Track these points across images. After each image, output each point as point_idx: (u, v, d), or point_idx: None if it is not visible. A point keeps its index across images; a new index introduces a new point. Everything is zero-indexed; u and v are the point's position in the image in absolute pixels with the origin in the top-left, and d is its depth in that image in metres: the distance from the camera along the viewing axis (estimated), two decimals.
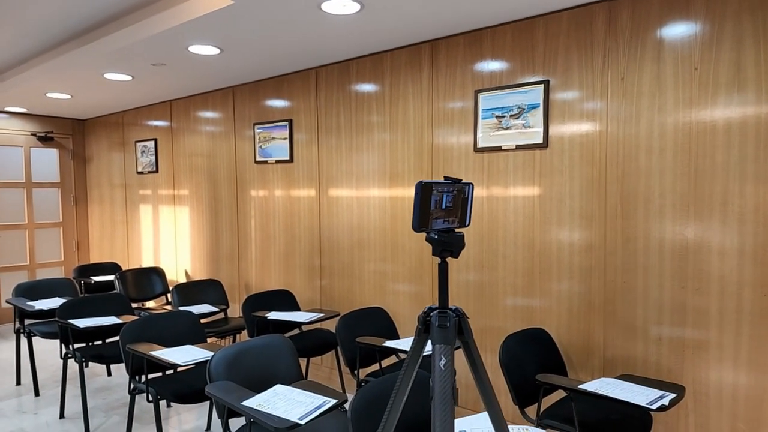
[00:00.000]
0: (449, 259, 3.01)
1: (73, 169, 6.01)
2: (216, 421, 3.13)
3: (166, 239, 5.09)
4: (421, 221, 0.90)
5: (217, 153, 4.49)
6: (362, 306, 3.51)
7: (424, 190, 0.91)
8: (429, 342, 1.01)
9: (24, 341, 3.81)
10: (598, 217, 2.49)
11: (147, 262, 5.30)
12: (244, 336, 4.12)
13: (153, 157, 5.08)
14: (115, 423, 3.13)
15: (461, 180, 0.97)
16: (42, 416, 3.23)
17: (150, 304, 4.97)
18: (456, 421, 1.52)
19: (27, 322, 3.69)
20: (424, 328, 0.96)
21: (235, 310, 4.36)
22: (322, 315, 3.12)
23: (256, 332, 3.20)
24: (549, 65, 2.59)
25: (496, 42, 2.77)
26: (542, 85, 2.57)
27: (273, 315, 3.13)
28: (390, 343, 2.49)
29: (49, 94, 4.60)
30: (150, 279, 4.56)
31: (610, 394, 1.86)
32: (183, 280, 4.82)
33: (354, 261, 3.53)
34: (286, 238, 3.99)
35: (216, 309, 3.61)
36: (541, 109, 2.58)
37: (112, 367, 4.12)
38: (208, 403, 3.31)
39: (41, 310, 3.47)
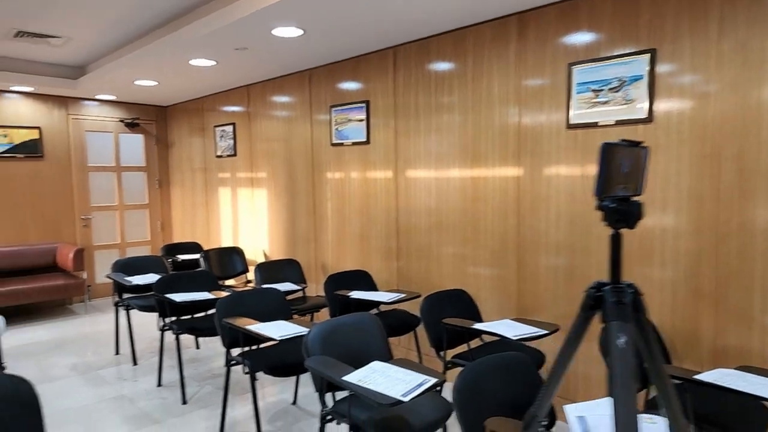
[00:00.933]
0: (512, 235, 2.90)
1: (157, 153, 6.32)
2: (301, 395, 3.21)
3: (244, 221, 5.25)
4: (605, 186, 0.83)
5: (293, 136, 4.55)
6: (440, 288, 3.46)
7: (609, 152, 0.83)
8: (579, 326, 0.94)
9: (122, 314, 4.07)
10: (710, 197, 2.29)
11: (226, 243, 5.51)
12: (322, 314, 4.20)
13: (231, 141, 5.23)
14: (208, 392, 3.28)
15: (641, 142, 0.89)
16: (140, 384, 3.44)
17: (230, 282, 5.17)
18: (569, 406, 1.45)
19: (125, 296, 3.94)
20: (593, 305, 0.89)
21: (311, 290, 4.44)
22: (404, 295, 3.11)
23: (339, 311, 3.24)
24: (655, 34, 2.39)
25: (594, 11, 2.59)
26: (647, 55, 2.38)
27: (356, 294, 3.14)
28: (480, 326, 2.43)
29: (137, 82, 4.82)
30: (231, 258, 4.73)
31: (732, 386, 1.71)
32: (261, 259, 4.97)
33: (432, 243, 3.49)
34: (361, 220, 4.00)
35: (298, 287, 3.68)
36: (645, 80, 2.39)
37: (199, 340, 4.33)
38: (294, 377, 3.41)
39: (138, 285, 3.68)
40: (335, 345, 2.16)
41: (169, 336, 3.86)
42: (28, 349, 4.21)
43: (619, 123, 2.51)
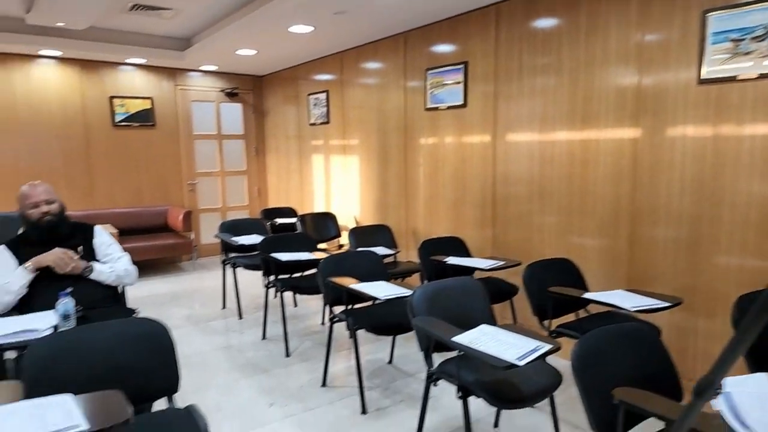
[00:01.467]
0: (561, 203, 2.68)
1: (254, 122, 6.60)
2: (397, 355, 3.28)
3: (337, 187, 5.37)
4: None
5: (385, 102, 4.54)
6: (539, 258, 3.34)
7: None
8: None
9: (228, 272, 4.38)
10: None
11: (318, 208, 5.69)
12: (413, 280, 4.23)
13: (324, 109, 5.33)
14: (308, 347, 3.45)
15: None
16: (246, 336, 3.69)
17: (323, 246, 5.36)
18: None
19: (231, 254, 4.21)
20: None
21: (401, 255, 4.48)
22: (503, 262, 3.03)
23: (434, 276, 3.24)
24: None
25: None
26: None
27: (452, 260, 3.12)
28: (591, 295, 2.32)
29: (238, 52, 5.01)
30: (325, 223, 4.88)
31: None
32: (352, 225, 5.08)
33: (533, 210, 3.35)
34: (455, 186, 3.94)
35: (391, 251, 3.72)
36: None
37: (297, 299, 4.56)
38: (391, 338, 3.49)
39: (243, 245, 3.91)
40: (440, 307, 2.15)
41: (272, 293, 4.09)
42: (148, 300, 4.66)
43: (764, 76, 2.21)
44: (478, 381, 1.87)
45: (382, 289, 2.49)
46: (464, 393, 1.87)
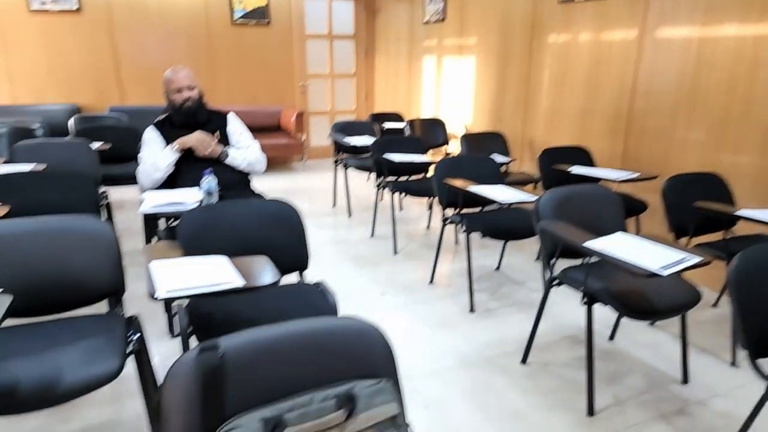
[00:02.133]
0: None
1: (365, 21, 6.42)
2: (505, 263, 3.26)
3: (448, 91, 5.17)
4: None
5: None
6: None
7: None
8: None
9: (340, 172, 4.53)
10: None
11: (426, 114, 5.56)
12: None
13: (441, 4, 5.00)
14: (415, 248, 3.54)
15: None
16: (355, 233, 3.85)
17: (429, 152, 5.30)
18: None
19: (342, 155, 4.31)
20: None
21: (514, 166, 4.30)
22: (637, 174, 2.79)
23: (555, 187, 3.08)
24: None
25: None
26: None
27: (577, 169, 2.93)
28: (749, 213, 2.07)
29: None
30: (434, 129, 4.77)
31: None
32: (461, 132, 4.93)
33: (677, 122, 2.99)
34: (585, 90, 3.60)
35: (507, 159, 3.58)
36: None
37: (402, 202, 4.63)
38: (500, 246, 3.47)
39: (355, 146, 3.97)
40: (569, 213, 2.04)
41: (381, 195, 4.19)
42: (267, 194, 4.99)
43: None
44: (607, 289, 1.79)
45: (502, 193, 2.42)
46: (590, 300, 1.81)
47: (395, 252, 3.45)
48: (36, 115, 4.90)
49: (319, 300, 1.72)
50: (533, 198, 2.26)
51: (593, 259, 1.84)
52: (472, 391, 1.98)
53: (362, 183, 5.44)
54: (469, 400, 1.93)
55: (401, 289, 2.88)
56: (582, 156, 3.29)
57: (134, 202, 4.50)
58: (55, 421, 1.75)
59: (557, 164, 3.13)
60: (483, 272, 3.15)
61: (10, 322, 1.55)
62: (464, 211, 2.72)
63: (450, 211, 2.77)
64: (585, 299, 1.80)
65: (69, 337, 1.45)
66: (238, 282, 1.31)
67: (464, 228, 2.59)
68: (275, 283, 1.34)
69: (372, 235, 3.80)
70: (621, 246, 1.70)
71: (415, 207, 4.58)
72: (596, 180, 2.91)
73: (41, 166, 2.57)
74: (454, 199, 2.72)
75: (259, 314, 1.61)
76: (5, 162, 2.84)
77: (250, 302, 1.69)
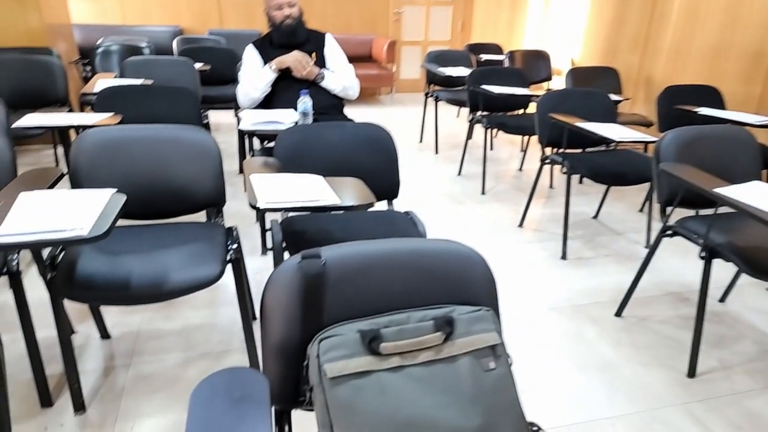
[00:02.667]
0: None
1: None
2: (604, 211, 3.05)
3: (555, 22, 4.74)
4: None
5: None
6: None
7: None
8: None
9: (430, 106, 4.39)
10: None
11: (528, 46, 5.17)
12: None
13: None
14: (504, 189, 3.40)
15: None
16: (441, 170, 3.76)
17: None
18: None
19: (434, 88, 4.15)
20: None
21: (625, 106, 3.93)
22: None
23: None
24: None
25: None
26: None
27: (705, 111, 2.60)
28: None
29: None
30: (536, 62, 4.43)
31: None
32: (567, 68, 4.55)
33: None
34: (722, 25, 3.13)
35: (619, 98, 3.26)
36: None
37: (493, 142, 4.44)
38: (601, 192, 3.25)
39: (449, 77, 3.79)
40: (694, 157, 1.82)
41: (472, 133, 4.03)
42: None
43: None
44: (731, 244, 1.60)
45: (615, 131, 2.20)
46: (709, 255, 1.63)
47: (483, 192, 3.34)
48: (143, 35, 5.15)
49: (409, 228, 1.70)
50: (653, 138, 2.04)
51: (719, 210, 1.64)
52: (559, 338, 1.91)
53: (451, 119, 5.26)
54: (556, 347, 1.86)
55: (487, 231, 2.80)
56: (711, 97, 2.91)
57: (230, 125, 4.68)
58: (159, 318, 1.93)
59: (680, 104, 2.79)
60: (579, 219, 2.97)
61: (122, 222, 1.69)
62: (566, 151, 2.53)
63: (549, 151, 2.60)
64: (704, 253, 1.63)
65: (175, 240, 1.54)
66: (334, 199, 1.30)
67: (565, 169, 2.42)
68: (369, 206, 1.32)
69: (459, 173, 3.69)
70: (758, 197, 1.49)
71: (507, 147, 4.37)
72: (728, 122, 2.56)
73: (149, 82, 2.71)
74: (556, 137, 2.53)
75: (349, 236, 1.62)
76: (116, 77, 3.02)
77: (342, 223, 1.71)
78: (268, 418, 0.67)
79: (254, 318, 1.91)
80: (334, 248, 0.91)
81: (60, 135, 2.78)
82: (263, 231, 2.42)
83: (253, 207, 1.25)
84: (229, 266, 1.50)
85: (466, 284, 0.92)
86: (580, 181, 3.56)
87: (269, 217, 2.57)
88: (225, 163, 3.63)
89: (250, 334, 1.66)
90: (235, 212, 2.85)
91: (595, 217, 3.00)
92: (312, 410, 0.81)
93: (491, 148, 4.30)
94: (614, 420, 1.55)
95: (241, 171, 3.38)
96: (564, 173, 2.41)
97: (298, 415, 0.92)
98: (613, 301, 2.14)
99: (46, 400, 1.49)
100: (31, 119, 2.15)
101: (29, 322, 1.45)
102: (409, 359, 0.82)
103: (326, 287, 0.87)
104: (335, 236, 1.61)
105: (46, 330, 1.76)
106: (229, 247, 1.54)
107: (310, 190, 1.36)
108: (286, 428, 0.91)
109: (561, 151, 2.52)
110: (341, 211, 1.79)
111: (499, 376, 0.84)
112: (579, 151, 2.65)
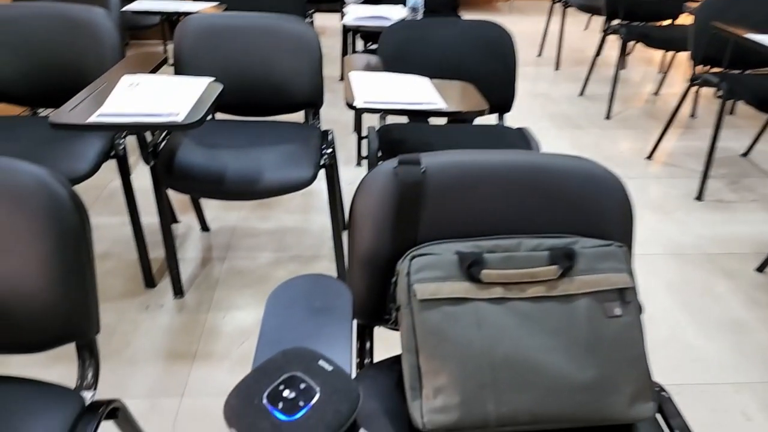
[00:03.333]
0: None
1: None
2: (758, 149, 2.59)
3: None
4: None
5: None
6: None
7: None
8: None
9: (556, 15, 3.91)
10: None
11: None
12: None
13: None
14: (634, 115, 3.00)
15: None
16: (560, 89, 3.39)
17: None
18: None
19: None
20: None
21: None
22: None
23: None
24: None
25: None
26: None
27: None
28: None
29: None
30: None
31: None
32: None
33: None
34: None
35: None
36: None
37: (632, 62, 3.91)
38: (758, 126, 2.76)
39: None
40: None
41: (593, 51, 3.53)
42: None
43: None
44: None
45: None
46: None
47: (608, 116, 2.97)
48: None
49: (521, 147, 1.52)
50: None
51: None
52: (681, 288, 1.69)
53: (578, 32, 4.69)
54: (676, 297, 1.65)
55: (608, 161, 2.50)
56: None
57: (335, 29, 4.54)
58: (254, 217, 1.97)
59: None
60: (724, 155, 2.55)
61: (221, 117, 1.68)
62: (726, 71, 2.11)
63: (702, 70, 2.18)
64: None
65: (270, 139, 1.50)
66: (440, 104, 1.16)
67: (722, 92, 2.02)
68: (479, 114, 1.16)
69: (581, 93, 3.30)
70: None
71: (642, 66, 3.83)
72: None
73: None
74: (714, 52, 2.11)
75: (452, 149, 1.48)
76: None
77: (444, 135, 1.57)
78: (349, 331, 0.60)
79: (345, 228, 1.89)
80: (436, 155, 0.79)
81: (170, 27, 2.84)
82: (359, 139, 2.34)
83: (350, 106, 1.15)
84: (322, 172, 1.45)
85: (596, 212, 0.77)
86: (732, 111, 3.03)
87: (366, 125, 2.48)
88: (326, 69, 3.56)
89: (339, 243, 1.63)
90: (333, 120, 2.79)
91: (745, 155, 2.56)
92: (397, 330, 0.74)
93: (623, 67, 3.78)
94: (738, 387, 1.35)
95: (342, 78, 3.29)
96: (719, 97, 2.02)
97: (380, 333, 0.87)
98: (755, 254, 1.84)
99: (149, 281, 1.60)
100: (142, 4, 2.20)
101: (135, 206, 1.52)
102: (515, 292, 0.71)
103: (424, 199, 0.76)
104: (436, 148, 1.48)
105: (151, 217, 1.87)
106: (323, 151, 1.47)
107: (414, 91, 1.23)
108: (368, 345, 0.86)
109: (719, 70, 2.11)
110: (445, 121, 1.64)
111: (625, 325, 0.70)
112: (740, 71, 2.20)
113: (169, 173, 1.36)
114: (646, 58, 4.02)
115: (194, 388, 1.30)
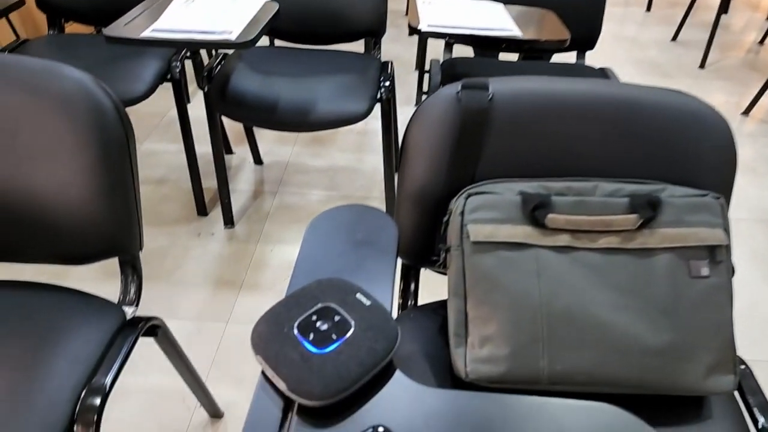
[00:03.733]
0: None
1: None
2: None
3: None
4: None
5: None
6: None
7: None
8: None
9: None
10: None
11: None
12: None
13: None
14: (732, 65, 2.68)
15: None
16: (650, 32, 3.07)
17: None
18: None
19: None
20: None
21: None
22: None
23: None
24: None
25: None
26: None
27: None
28: None
29: None
30: None
31: None
32: None
33: None
34: None
35: None
36: None
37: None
38: None
39: None
40: None
41: None
42: None
43: None
44: None
45: None
46: None
47: (702, 65, 2.67)
48: None
49: None
50: None
51: None
52: (766, 257, 1.53)
53: None
54: (761, 266, 1.50)
55: None
56: None
57: None
58: (307, 154, 1.94)
59: None
60: None
61: (278, 44, 1.62)
62: None
63: None
64: None
65: (327, 68, 1.44)
66: (514, 31, 1.04)
67: None
68: (559, 45, 1.04)
69: (674, 38, 2.98)
70: None
71: (746, 12, 3.40)
72: None
73: None
74: None
75: None
76: None
77: (517, 71, 1.44)
78: (392, 268, 0.55)
79: (398, 169, 1.82)
80: (506, 81, 0.70)
81: None
82: (421, 74, 2.23)
83: (413, 30, 1.06)
84: (378, 107, 1.37)
85: (691, 157, 0.66)
86: None
87: (430, 58, 2.36)
88: (392, 2, 3.39)
89: (391, 183, 1.58)
90: (395, 56, 2.67)
91: None
92: (444, 273, 0.69)
93: (725, 11, 3.37)
94: None
95: (408, 12, 3.12)
96: None
97: (426, 276, 0.82)
98: None
99: (201, 209, 1.62)
100: None
101: (189, 133, 1.52)
102: (584, 241, 0.63)
103: (488, 130, 0.68)
104: None
105: (206, 146, 1.88)
106: (381, 84, 1.39)
107: (485, 17, 1.11)
108: (412, 287, 0.82)
109: None
110: (517, 57, 1.51)
111: (712, 287, 0.61)
112: None
113: (222, 99, 1.33)
114: (752, 2, 3.57)
115: (239, 316, 1.32)
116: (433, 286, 0.90)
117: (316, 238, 0.58)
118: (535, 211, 0.63)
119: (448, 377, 0.66)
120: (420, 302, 0.81)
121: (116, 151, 0.67)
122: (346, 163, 1.90)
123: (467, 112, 0.67)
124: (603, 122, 0.67)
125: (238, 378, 1.19)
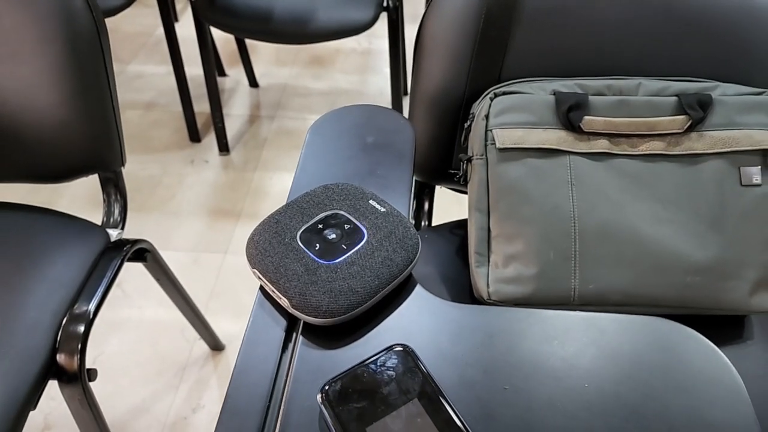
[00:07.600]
0: None
1: None
2: None
3: None
4: None
5: None
6: None
7: None
8: None
9: None
10: None
11: None
12: None
13: None
14: None
15: None
16: None
17: None
18: None
19: None
20: None
21: None
22: None
23: None
24: None
25: None
26: None
27: None
28: None
29: None
30: None
31: None
32: None
33: None
34: None
35: None
36: None
37: None
38: None
39: None
40: None
41: None
42: None
43: None
44: None
45: None
46: None
47: None
48: None
49: None
50: None
51: None
52: None
53: None
54: None
55: None
56: None
57: None
58: (307, 75, 1.84)
59: None
60: None
61: None
62: None
63: None
64: None
65: None
66: None
67: None
68: None
69: None
70: None
71: None
72: None
73: None
74: None
75: None
76: None
77: None
78: (409, 175, 0.49)
79: (406, 93, 1.73)
80: None
81: None
82: None
83: None
84: (384, 18, 1.27)
85: (748, 50, 0.59)
86: None
87: None
88: None
89: (399, 107, 1.49)
90: None
91: None
92: (464, 191, 0.63)
93: None
94: None
95: None
96: None
97: (438, 197, 0.76)
98: None
99: (194, 135, 1.55)
100: None
101: (178, 52, 1.42)
102: (624, 147, 0.57)
103: (518, 19, 0.60)
104: None
105: (197, 68, 1.78)
106: None
107: None
108: (426, 206, 0.76)
109: None
110: None
111: (764, 197, 0.55)
112: None
113: (211, 7, 1.23)
114: None
115: (239, 246, 1.28)
116: (444, 210, 0.85)
117: (321, 140, 0.51)
118: (569, 113, 0.56)
119: (468, 300, 0.62)
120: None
121: (86, 45, 0.60)
122: (349, 86, 1.80)
123: (492, 1, 0.59)
124: (649, 11, 0.59)
125: (239, 310, 1.16)
